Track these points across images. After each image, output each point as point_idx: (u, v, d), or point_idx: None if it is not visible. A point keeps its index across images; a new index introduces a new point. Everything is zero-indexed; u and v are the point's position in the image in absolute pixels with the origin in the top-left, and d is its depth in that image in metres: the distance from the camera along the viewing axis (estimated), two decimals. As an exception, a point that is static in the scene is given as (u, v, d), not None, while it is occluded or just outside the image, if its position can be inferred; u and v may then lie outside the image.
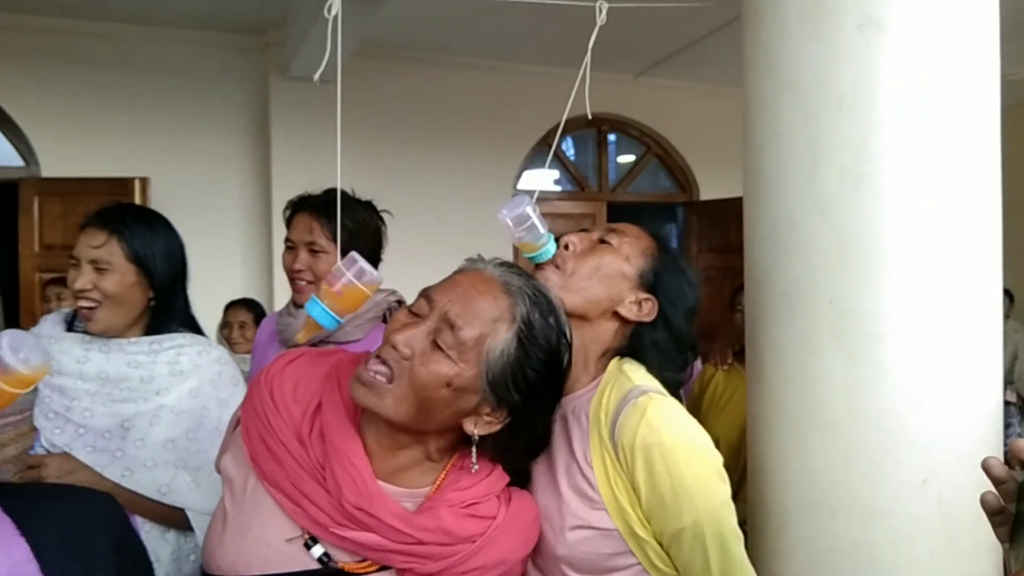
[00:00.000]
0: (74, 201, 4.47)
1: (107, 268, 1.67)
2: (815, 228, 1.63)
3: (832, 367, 1.62)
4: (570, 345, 1.13)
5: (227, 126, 5.22)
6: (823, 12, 1.61)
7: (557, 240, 1.34)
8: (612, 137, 6.57)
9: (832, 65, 1.60)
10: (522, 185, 6.11)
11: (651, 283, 1.30)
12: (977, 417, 1.63)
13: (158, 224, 1.79)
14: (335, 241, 1.98)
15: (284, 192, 2.23)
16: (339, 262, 1.07)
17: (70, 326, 1.77)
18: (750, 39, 1.79)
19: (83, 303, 1.67)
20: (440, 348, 1.02)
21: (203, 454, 1.69)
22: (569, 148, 6.46)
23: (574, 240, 1.31)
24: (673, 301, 1.31)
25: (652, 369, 1.29)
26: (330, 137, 4.91)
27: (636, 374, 1.27)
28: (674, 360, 1.33)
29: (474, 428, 1.07)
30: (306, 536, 1.06)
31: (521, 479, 1.23)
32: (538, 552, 1.23)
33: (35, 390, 1.62)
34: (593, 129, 6.36)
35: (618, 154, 6.66)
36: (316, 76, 1.20)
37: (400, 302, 1.99)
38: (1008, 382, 5.42)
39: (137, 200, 4.57)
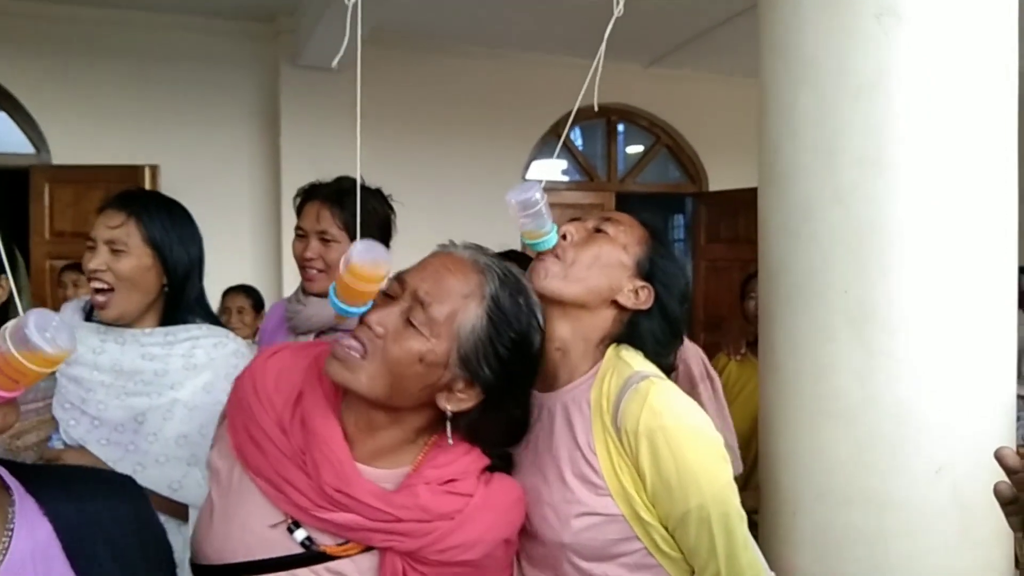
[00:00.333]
0: (85, 188, 4.49)
1: (123, 249, 1.65)
2: (831, 218, 1.63)
3: (847, 357, 1.62)
4: (541, 328, 1.16)
5: (237, 114, 5.22)
6: (841, 1, 1.60)
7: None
8: (621, 127, 6.55)
9: (849, 54, 1.60)
10: (531, 175, 6.11)
11: (647, 271, 1.31)
12: (991, 407, 1.63)
13: (177, 212, 1.77)
14: (346, 230, 1.99)
15: (293, 180, 2.24)
16: (356, 247, 1.07)
17: (88, 316, 1.76)
18: (766, 28, 1.79)
19: (96, 284, 1.65)
20: (412, 325, 1.05)
21: None
22: (578, 138, 6.45)
23: (571, 230, 1.32)
24: (668, 288, 1.32)
25: (648, 355, 1.30)
26: (339, 125, 4.91)
27: (635, 360, 1.28)
28: (668, 346, 1.34)
29: (447, 404, 1.09)
30: (289, 521, 1.08)
31: (507, 466, 1.24)
32: (542, 541, 1.24)
33: (54, 378, 1.63)
34: (602, 119, 6.34)
35: (627, 144, 6.64)
36: (334, 63, 1.20)
37: None
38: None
39: (147, 187, 4.58)
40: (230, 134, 5.19)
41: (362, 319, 1.08)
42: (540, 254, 1.31)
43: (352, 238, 1.97)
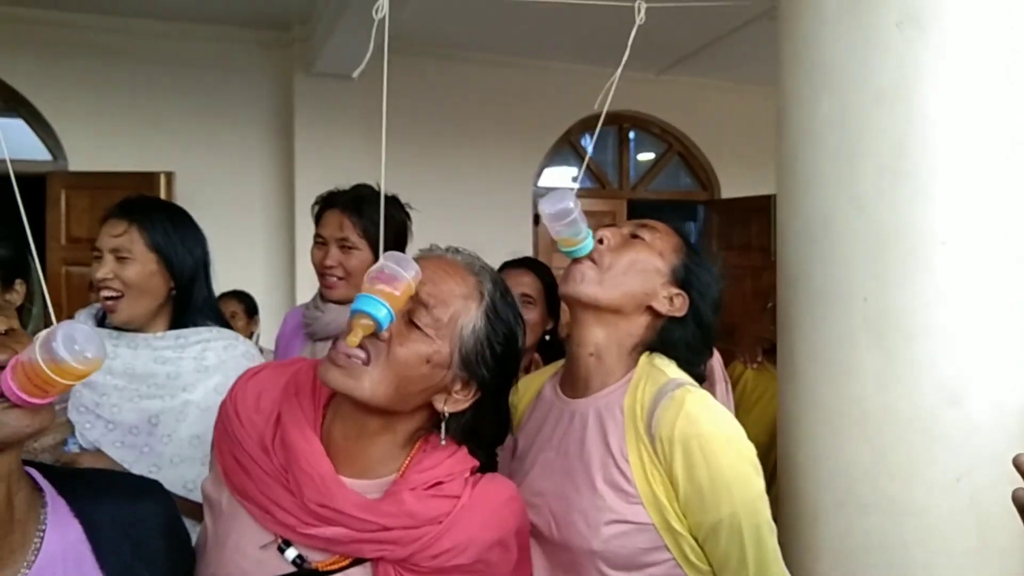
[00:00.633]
0: (101, 195, 4.51)
1: (128, 257, 1.68)
2: (851, 225, 1.63)
3: (867, 364, 1.62)
4: (524, 326, 1.17)
5: (251, 122, 5.26)
6: (862, 8, 1.61)
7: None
8: (632, 134, 6.56)
9: (870, 61, 1.61)
10: (543, 182, 6.12)
11: (683, 278, 1.32)
12: (1011, 416, 1.62)
13: (178, 215, 1.80)
14: (365, 237, 2.01)
15: (307, 188, 2.26)
16: (385, 259, 1.07)
17: (101, 322, 1.78)
18: (787, 34, 1.79)
19: (105, 293, 1.68)
20: (417, 327, 1.06)
21: None
22: (589, 145, 6.46)
23: (608, 235, 1.32)
24: (703, 296, 1.32)
25: (680, 363, 1.31)
26: (353, 133, 4.94)
27: (669, 368, 1.29)
28: (700, 354, 1.35)
29: (444, 405, 1.10)
30: (279, 540, 1.08)
31: (494, 467, 1.24)
32: (570, 548, 1.24)
33: None
34: (614, 127, 6.36)
35: (638, 151, 6.66)
36: (356, 73, 1.22)
37: None
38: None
39: (162, 194, 4.62)
40: (244, 141, 5.24)
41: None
42: (575, 260, 1.31)
43: (372, 245, 2.00)
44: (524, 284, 2.27)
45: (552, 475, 1.29)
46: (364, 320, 1.00)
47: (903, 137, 1.59)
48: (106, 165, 4.78)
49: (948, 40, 1.57)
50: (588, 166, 6.28)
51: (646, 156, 6.66)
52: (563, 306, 2.50)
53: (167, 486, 1.61)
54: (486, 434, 1.18)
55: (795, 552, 1.73)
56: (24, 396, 0.83)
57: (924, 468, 1.60)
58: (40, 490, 1.01)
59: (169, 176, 4.78)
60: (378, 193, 2.05)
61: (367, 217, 2.01)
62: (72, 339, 0.82)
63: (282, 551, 1.07)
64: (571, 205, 1.24)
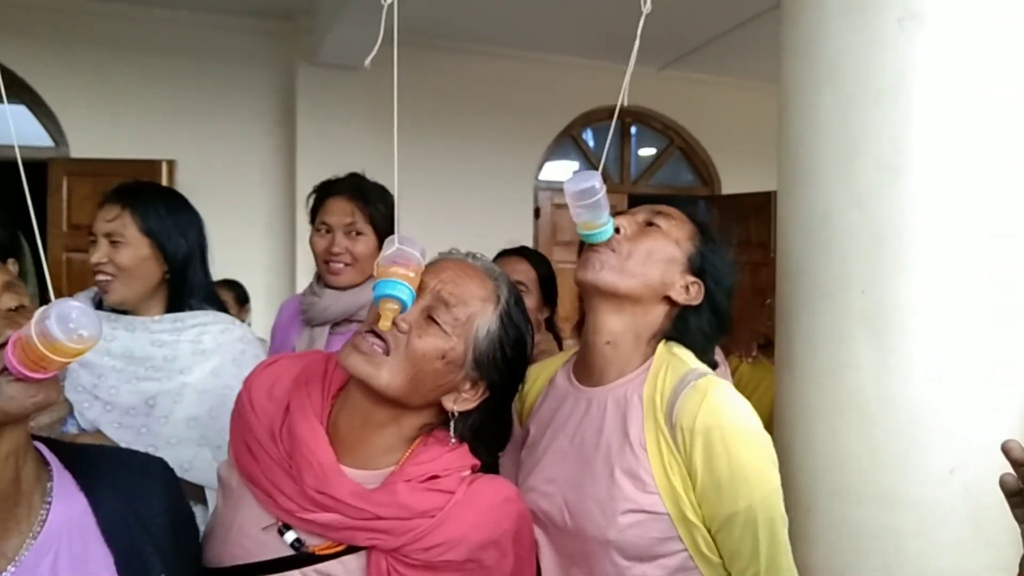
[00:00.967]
0: (103, 182, 4.41)
1: (121, 241, 1.70)
2: (851, 220, 1.65)
3: (864, 357, 1.64)
4: (533, 333, 1.21)
5: (254, 111, 5.26)
6: (865, 5, 1.62)
7: None
8: (634, 129, 6.57)
9: (872, 58, 1.62)
10: (543, 176, 6.12)
11: (698, 266, 1.31)
12: (1004, 409, 1.64)
13: (172, 199, 1.82)
14: (371, 223, 2.04)
15: (309, 178, 2.28)
16: (399, 245, 1.09)
17: (99, 305, 1.81)
18: (789, 30, 1.81)
19: (99, 277, 1.72)
20: (436, 322, 1.09)
21: (225, 432, 1.70)
22: (590, 139, 6.47)
23: (623, 222, 1.30)
24: (718, 284, 1.32)
25: (695, 352, 1.30)
26: (355, 123, 4.94)
27: (688, 357, 1.28)
28: (715, 342, 1.35)
29: (453, 404, 1.13)
30: (279, 524, 1.11)
31: (496, 469, 1.25)
32: (583, 537, 1.23)
33: None
34: (616, 121, 6.36)
35: (640, 146, 6.66)
36: (367, 61, 1.22)
37: None
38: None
39: (164, 182, 4.62)
40: (247, 131, 5.24)
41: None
42: (593, 246, 1.29)
43: (376, 232, 2.04)
44: (518, 272, 2.28)
45: (566, 463, 1.29)
46: (391, 304, 1.04)
47: (903, 134, 1.60)
48: (108, 152, 4.78)
49: (949, 37, 1.59)
50: (589, 160, 6.29)
51: (647, 151, 6.66)
52: (559, 297, 2.52)
53: (164, 466, 1.65)
54: (491, 436, 1.21)
55: (790, 541, 1.75)
56: (24, 371, 0.84)
57: (918, 460, 1.62)
58: (47, 464, 1.02)
59: (171, 164, 4.79)
60: (376, 182, 2.09)
61: (371, 204, 2.05)
62: (66, 317, 0.83)
63: (282, 534, 1.10)
64: (596, 185, 1.22)
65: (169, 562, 1.05)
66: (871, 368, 1.63)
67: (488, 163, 5.75)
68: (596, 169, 1.26)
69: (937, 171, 1.60)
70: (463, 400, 1.13)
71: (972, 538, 1.62)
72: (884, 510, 1.63)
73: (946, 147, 1.60)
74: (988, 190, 1.61)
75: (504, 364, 1.14)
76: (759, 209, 5.53)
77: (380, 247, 2.09)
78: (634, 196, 6.42)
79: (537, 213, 6.02)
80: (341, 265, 2.03)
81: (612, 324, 1.29)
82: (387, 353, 1.07)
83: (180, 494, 1.17)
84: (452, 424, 1.14)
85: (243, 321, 3.97)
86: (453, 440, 1.15)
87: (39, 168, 4.74)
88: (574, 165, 6.35)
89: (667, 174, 6.70)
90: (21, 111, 4.92)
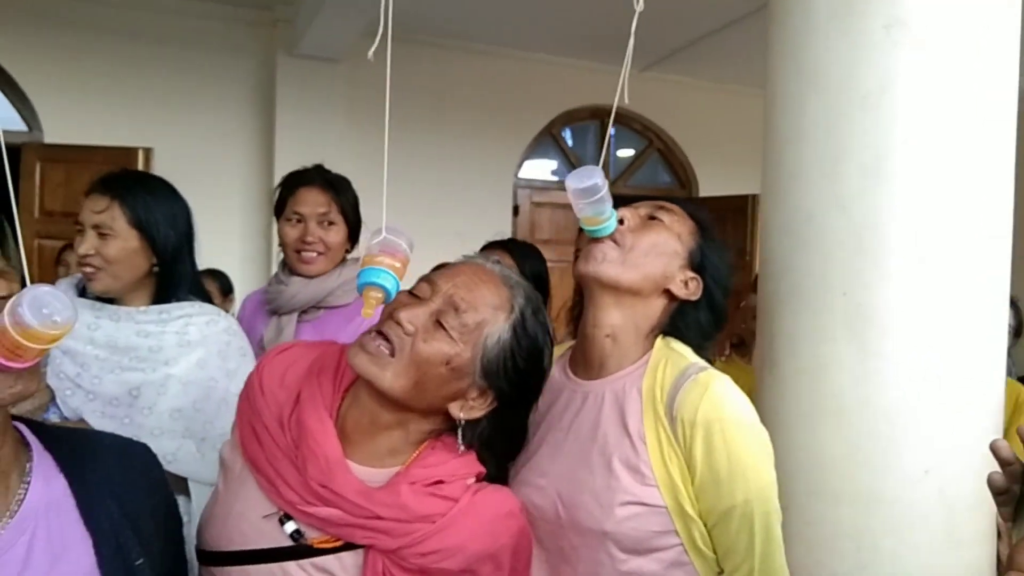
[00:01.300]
0: (77, 168, 4.45)
1: (109, 233, 1.68)
2: (833, 222, 1.67)
3: (844, 358, 1.66)
4: (552, 345, 1.19)
5: (233, 101, 5.20)
6: (851, 11, 1.64)
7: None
8: (613, 130, 6.59)
9: (857, 63, 1.64)
10: (523, 175, 6.13)
11: (698, 262, 1.32)
12: (980, 412, 1.68)
13: (161, 190, 1.79)
14: (343, 214, 2.11)
15: (287, 169, 2.29)
16: (386, 232, 1.09)
17: (82, 292, 1.78)
18: (776, 34, 1.83)
19: (86, 268, 1.69)
20: (443, 327, 1.08)
21: (209, 424, 1.72)
22: (569, 139, 6.48)
23: (627, 215, 1.31)
24: (717, 280, 1.33)
25: (692, 347, 1.31)
26: (334, 115, 4.91)
27: (687, 352, 1.29)
28: (711, 338, 1.35)
29: (460, 412, 1.12)
30: (280, 513, 1.10)
31: (503, 480, 1.26)
32: (580, 530, 1.23)
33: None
34: (595, 121, 6.38)
35: (618, 147, 6.69)
36: (370, 53, 1.21)
37: None
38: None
39: (140, 170, 4.56)
40: (225, 120, 5.18)
41: (391, 315, 1.10)
42: (595, 240, 1.30)
43: (347, 222, 2.14)
44: None
45: (561, 456, 1.28)
46: (375, 292, 1.03)
47: (886, 138, 1.63)
48: (83, 138, 4.70)
49: (934, 44, 1.61)
50: (568, 159, 6.30)
51: (626, 152, 6.69)
52: (551, 293, 2.51)
53: (147, 457, 1.63)
54: (500, 446, 1.20)
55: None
56: (1, 360, 0.83)
57: (895, 460, 1.64)
58: (27, 444, 1.01)
59: (148, 152, 4.71)
60: (340, 175, 2.14)
61: (342, 195, 2.12)
62: (39, 303, 0.82)
63: (282, 524, 1.10)
64: (599, 182, 1.22)
65: (148, 547, 1.04)
66: (851, 369, 1.66)
67: (468, 160, 5.74)
68: (582, 167, 1.26)
69: (919, 175, 1.63)
70: (470, 408, 1.12)
71: (945, 538, 1.65)
72: (860, 510, 1.66)
73: (928, 152, 1.62)
74: (968, 195, 1.64)
75: (515, 374, 1.12)
76: (736, 212, 5.57)
77: (349, 237, 2.13)
78: (612, 197, 6.45)
79: (516, 211, 6.03)
80: (314, 254, 2.05)
81: (612, 317, 1.29)
82: (392, 355, 1.07)
83: (163, 481, 1.16)
84: (460, 432, 1.13)
85: (227, 311, 3.95)
86: (462, 448, 1.14)
87: (12, 152, 4.64)
88: (553, 164, 6.36)
89: (645, 175, 6.72)
90: (-6, 94, 4.84)
